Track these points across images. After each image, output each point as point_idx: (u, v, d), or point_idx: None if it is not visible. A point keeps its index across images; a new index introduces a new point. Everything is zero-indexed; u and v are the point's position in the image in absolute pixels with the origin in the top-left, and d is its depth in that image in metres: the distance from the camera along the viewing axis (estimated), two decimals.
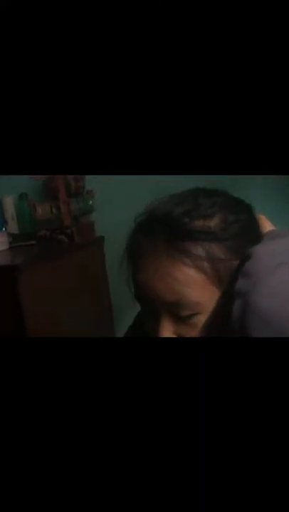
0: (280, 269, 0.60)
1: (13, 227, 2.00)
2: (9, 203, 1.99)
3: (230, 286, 0.62)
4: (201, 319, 0.63)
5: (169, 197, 0.70)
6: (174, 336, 0.66)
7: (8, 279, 1.51)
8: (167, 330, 0.65)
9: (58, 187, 1.88)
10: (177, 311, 0.63)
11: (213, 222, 0.64)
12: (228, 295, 0.62)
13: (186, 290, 0.62)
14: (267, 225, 0.72)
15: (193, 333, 0.65)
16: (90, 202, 1.96)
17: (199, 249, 0.62)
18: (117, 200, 1.92)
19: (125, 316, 1.47)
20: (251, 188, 1.97)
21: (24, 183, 2.00)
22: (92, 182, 1.98)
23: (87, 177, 1.96)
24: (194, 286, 0.62)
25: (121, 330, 1.40)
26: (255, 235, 0.68)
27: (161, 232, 0.64)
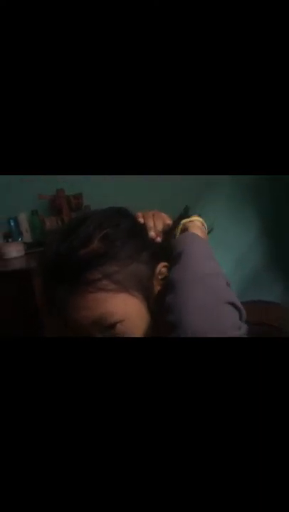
0: (207, 279, 0.61)
1: (27, 237, 2.15)
2: (23, 219, 2.16)
3: (141, 288, 0.64)
4: (126, 324, 0.63)
5: (55, 234, 0.68)
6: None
7: (25, 280, 1.60)
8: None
9: (61, 204, 2.07)
10: (101, 325, 0.62)
11: (95, 244, 0.63)
12: (143, 295, 0.64)
13: (100, 310, 0.61)
14: (150, 223, 0.72)
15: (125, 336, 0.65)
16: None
17: (95, 274, 0.61)
18: None
19: None
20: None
21: (35, 201, 2.17)
22: (89, 198, 2.12)
23: (85, 194, 2.12)
24: (106, 303, 0.62)
25: None
26: (141, 237, 0.68)
27: (62, 276, 0.62)
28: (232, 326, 0.58)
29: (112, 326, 0.62)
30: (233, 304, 0.59)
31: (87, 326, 0.61)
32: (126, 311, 0.63)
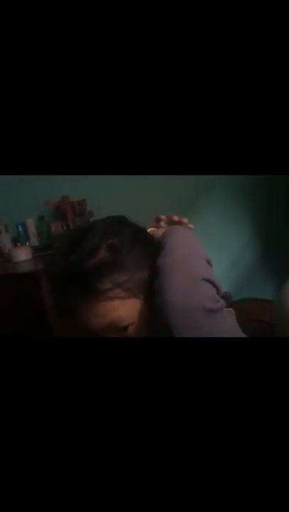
0: (185, 262, 0.63)
1: (34, 241, 2.17)
2: (31, 224, 2.17)
3: (147, 290, 0.64)
4: (137, 326, 0.64)
5: (62, 244, 0.67)
6: None
7: (33, 282, 1.63)
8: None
9: (66, 209, 2.10)
10: (115, 329, 0.63)
11: (102, 254, 0.62)
12: (149, 299, 0.64)
13: (112, 316, 0.62)
14: (155, 232, 0.73)
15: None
16: (91, 219, 2.00)
17: (106, 283, 0.61)
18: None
19: None
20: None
21: (41, 208, 2.20)
22: (92, 204, 2.17)
23: (88, 200, 2.16)
24: (117, 310, 0.62)
25: None
26: (144, 242, 0.68)
27: (72, 286, 0.62)
28: (209, 299, 0.61)
29: (125, 328, 0.63)
30: (208, 280, 0.63)
31: (99, 330, 0.62)
32: (136, 313, 0.63)
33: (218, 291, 0.64)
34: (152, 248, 0.69)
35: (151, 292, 0.63)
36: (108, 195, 2.09)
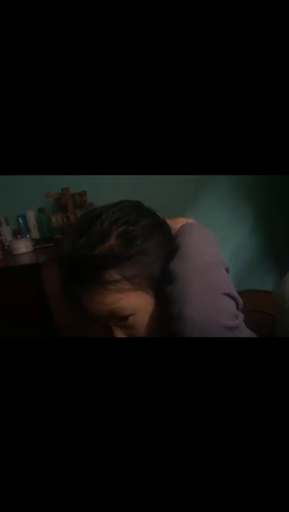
0: (205, 273, 0.59)
1: (35, 233, 2.19)
2: (31, 216, 2.19)
3: (157, 286, 0.63)
4: (138, 317, 0.63)
5: (71, 228, 0.66)
6: (124, 334, 0.65)
7: (34, 274, 1.66)
8: (117, 331, 0.65)
9: (66, 201, 2.08)
10: (115, 317, 0.62)
11: (112, 241, 0.60)
12: (154, 291, 0.63)
13: (115, 305, 0.61)
14: (173, 225, 0.69)
15: (134, 330, 0.64)
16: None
17: (114, 275, 0.60)
18: None
19: None
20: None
21: (41, 199, 2.19)
22: (92, 196, 2.16)
23: (88, 192, 2.15)
24: (121, 300, 0.61)
25: None
26: (160, 234, 0.65)
27: (79, 273, 0.61)
28: (229, 316, 0.58)
29: (125, 318, 0.62)
30: (229, 295, 0.59)
31: (101, 316, 0.62)
32: (139, 305, 0.63)
33: (237, 305, 0.61)
34: (168, 243, 0.66)
35: (159, 289, 0.62)
36: (108, 186, 2.07)
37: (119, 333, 0.65)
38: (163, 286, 0.61)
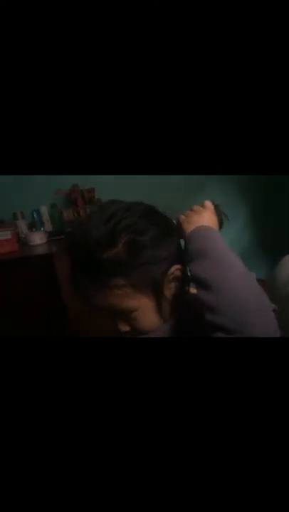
0: (245, 279, 0.53)
1: (48, 226, 2.26)
2: (44, 210, 2.26)
3: (154, 289, 0.63)
4: (139, 314, 0.64)
5: (83, 225, 0.63)
6: (127, 328, 0.65)
7: (48, 263, 1.68)
8: (120, 323, 0.66)
9: (76, 197, 2.18)
10: (118, 312, 0.64)
11: (119, 248, 0.59)
12: (154, 294, 0.63)
13: (119, 303, 0.62)
14: (186, 226, 0.65)
15: (137, 323, 0.65)
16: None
17: (119, 280, 0.59)
18: None
19: None
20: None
21: (53, 196, 2.26)
22: (101, 192, 2.22)
23: (96, 189, 2.21)
24: (124, 300, 0.62)
25: None
26: (167, 243, 0.63)
27: (87, 271, 0.60)
28: (277, 330, 0.52)
29: (128, 313, 0.63)
30: (274, 310, 0.54)
31: (105, 309, 0.64)
32: (140, 304, 0.63)
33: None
34: (177, 251, 0.65)
35: (157, 290, 0.63)
36: (117, 183, 2.14)
37: (123, 325, 0.66)
38: (182, 294, 0.62)
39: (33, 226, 2.26)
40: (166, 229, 0.65)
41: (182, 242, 0.66)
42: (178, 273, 0.65)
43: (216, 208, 0.69)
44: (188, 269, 0.61)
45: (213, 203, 0.69)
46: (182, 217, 0.68)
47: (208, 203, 0.68)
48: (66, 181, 2.22)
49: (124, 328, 0.67)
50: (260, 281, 0.54)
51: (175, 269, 0.65)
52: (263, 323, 0.50)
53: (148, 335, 0.67)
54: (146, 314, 0.65)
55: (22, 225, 2.19)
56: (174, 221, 0.69)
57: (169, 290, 0.66)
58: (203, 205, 0.68)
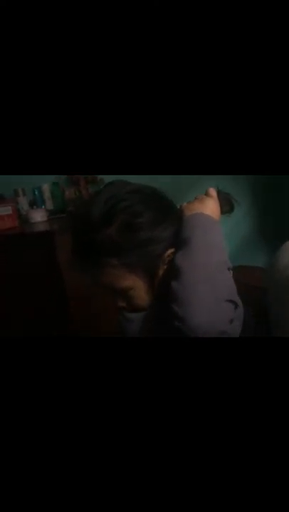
0: (210, 275, 0.57)
1: (49, 205, 2.22)
2: (46, 189, 2.21)
3: (149, 271, 0.66)
4: (136, 292, 0.67)
5: (85, 205, 0.66)
6: (123, 304, 0.69)
7: (48, 241, 1.70)
8: (117, 299, 0.69)
9: (78, 177, 2.13)
10: (115, 289, 0.67)
11: (112, 229, 0.60)
12: (149, 276, 0.67)
13: (114, 282, 0.65)
14: (185, 210, 0.67)
15: (133, 300, 0.68)
16: (102, 186, 1.70)
17: (113, 261, 0.62)
18: None
19: None
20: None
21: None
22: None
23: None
24: (120, 279, 0.65)
25: None
26: (163, 226, 0.65)
27: (84, 253, 0.62)
28: (227, 322, 0.57)
29: (124, 291, 0.67)
30: (231, 300, 0.59)
31: (103, 286, 0.67)
32: (134, 284, 0.66)
33: (236, 308, 0.61)
34: (173, 234, 0.66)
35: (151, 273, 0.66)
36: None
37: (120, 302, 0.69)
38: (168, 278, 0.62)
39: (34, 203, 2.22)
40: (165, 214, 0.66)
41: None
42: (172, 256, 0.67)
43: (220, 194, 0.70)
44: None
45: (217, 190, 0.70)
46: (184, 204, 0.70)
47: (212, 190, 0.70)
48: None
49: (121, 304, 0.70)
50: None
51: (170, 252, 0.67)
52: (206, 318, 0.53)
53: (145, 312, 0.70)
54: (142, 293, 0.68)
55: (23, 202, 2.15)
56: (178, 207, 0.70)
57: (164, 272, 0.68)
58: (206, 193, 0.70)
